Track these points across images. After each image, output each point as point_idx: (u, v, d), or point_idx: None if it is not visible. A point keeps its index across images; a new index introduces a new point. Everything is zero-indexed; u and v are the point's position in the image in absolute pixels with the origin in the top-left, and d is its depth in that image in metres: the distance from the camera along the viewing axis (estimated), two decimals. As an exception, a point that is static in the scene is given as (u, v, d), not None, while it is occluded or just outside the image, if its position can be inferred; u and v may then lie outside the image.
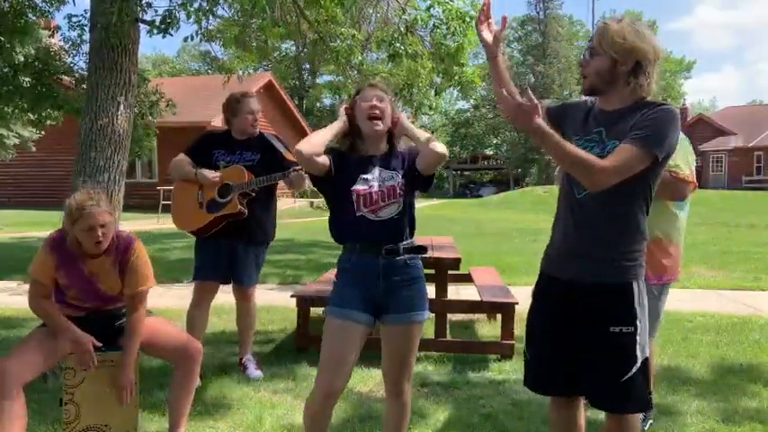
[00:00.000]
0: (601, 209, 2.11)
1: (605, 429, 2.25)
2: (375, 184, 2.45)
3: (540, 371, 2.30)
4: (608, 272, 2.13)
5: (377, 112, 2.46)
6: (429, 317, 2.57)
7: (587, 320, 2.15)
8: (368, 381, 3.83)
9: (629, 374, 2.12)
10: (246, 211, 3.82)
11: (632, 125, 2.06)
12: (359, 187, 2.45)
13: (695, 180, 3.02)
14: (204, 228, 3.86)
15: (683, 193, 2.98)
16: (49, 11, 8.28)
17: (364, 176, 2.46)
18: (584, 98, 2.33)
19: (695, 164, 3.09)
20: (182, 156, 3.98)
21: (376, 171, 2.48)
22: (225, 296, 4.20)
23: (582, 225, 2.15)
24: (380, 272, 2.43)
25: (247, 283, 4.02)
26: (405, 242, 2.48)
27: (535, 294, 2.35)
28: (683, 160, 2.94)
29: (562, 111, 2.34)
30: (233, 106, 3.92)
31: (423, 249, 2.55)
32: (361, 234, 2.45)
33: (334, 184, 2.49)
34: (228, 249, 3.92)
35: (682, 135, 2.87)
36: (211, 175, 3.81)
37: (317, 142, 2.43)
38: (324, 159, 2.45)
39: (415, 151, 2.53)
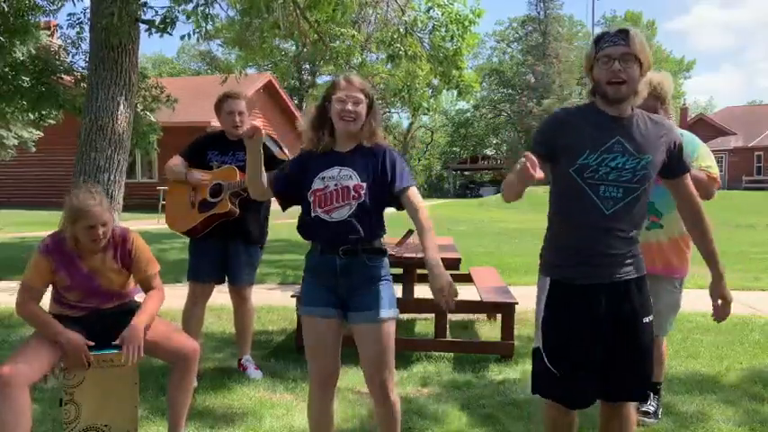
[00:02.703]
0: (631, 216, 2.20)
1: (619, 419, 2.30)
2: (331, 184, 2.44)
3: (574, 384, 2.23)
4: (633, 267, 2.24)
5: (351, 116, 2.44)
6: (396, 316, 2.50)
7: (624, 318, 2.21)
8: (368, 381, 3.83)
9: (651, 361, 2.29)
10: (237, 210, 3.82)
11: (674, 141, 2.24)
12: (315, 187, 2.45)
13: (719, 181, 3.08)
14: (196, 228, 3.86)
15: (713, 192, 3.01)
16: (50, 10, 8.28)
17: (323, 175, 2.45)
18: (558, 110, 2.33)
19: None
20: (176, 157, 4.00)
21: (335, 169, 2.46)
22: (225, 297, 4.20)
23: (613, 234, 2.19)
24: (339, 271, 2.44)
25: (241, 282, 4.00)
26: (363, 243, 2.45)
27: (555, 305, 2.26)
28: (712, 161, 3.03)
29: (552, 141, 2.22)
30: (217, 106, 3.95)
31: (382, 252, 2.52)
32: (318, 234, 2.47)
33: (296, 186, 2.50)
34: (223, 249, 3.93)
35: (695, 136, 3.11)
36: (200, 175, 3.85)
37: (253, 182, 2.52)
38: (264, 184, 2.53)
39: (394, 157, 2.49)
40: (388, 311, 2.46)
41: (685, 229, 2.98)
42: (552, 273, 2.28)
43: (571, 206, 2.23)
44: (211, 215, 3.82)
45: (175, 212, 4.01)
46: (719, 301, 2.33)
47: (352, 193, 2.42)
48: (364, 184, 2.44)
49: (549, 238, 2.34)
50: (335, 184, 2.43)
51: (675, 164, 2.27)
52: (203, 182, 3.85)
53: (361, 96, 2.46)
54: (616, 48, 2.10)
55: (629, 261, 2.22)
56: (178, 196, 3.96)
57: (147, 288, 2.98)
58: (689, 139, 3.13)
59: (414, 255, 4.29)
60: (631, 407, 2.32)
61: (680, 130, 3.10)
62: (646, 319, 2.24)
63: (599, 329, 2.19)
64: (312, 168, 2.48)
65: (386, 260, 2.53)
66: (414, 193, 2.47)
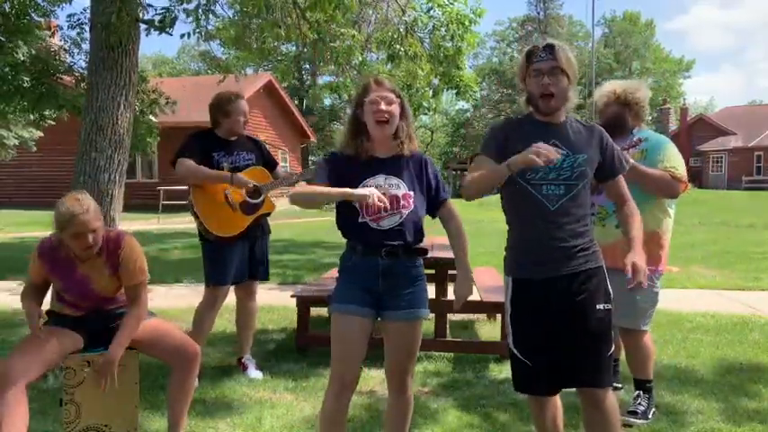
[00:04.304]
0: (576, 211, 2.37)
1: (599, 411, 2.35)
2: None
3: (547, 372, 2.38)
4: (588, 259, 2.39)
5: (385, 116, 2.44)
6: (429, 316, 2.59)
7: (577, 306, 2.34)
8: (368, 381, 3.84)
9: (611, 350, 2.38)
10: None
11: (606, 144, 2.44)
12: None
13: (687, 181, 3.29)
14: (244, 230, 3.87)
15: (676, 191, 3.24)
16: (51, 10, 8.29)
17: (368, 182, 2.44)
18: (502, 121, 2.52)
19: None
20: (189, 161, 3.77)
21: (381, 177, 2.46)
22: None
23: (561, 228, 2.35)
24: (380, 272, 2.45)
25: (264, 276, 4.10)
26: (407, 247, 2.48)
27: (518, 302, 2.42)
28: (678, 162, 3.24)
29: (503, 146, 2.40)
30: (225, 107, 3.84)
31: (423, 252, 2.57)
32: (363, 238, 2.47)
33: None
34: (250, 247, 3.97)
35: (667, 138, 3.38)
36: (247, 179, 3.80)
37: (309, 200, 2.52)
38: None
39: (435, 167, 2.63)
40: (424, 311, 2.53)
41: (660, 226, 3.25)
42: (513, 272, 2.46)
43: (520, 207, 2.42)
44: (259, 215, 3.89)
45: (218, 217, 3.79)
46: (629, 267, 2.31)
47: (402, 202, 2.46)
48: (412, 193, 2.49)
49: (507, 240, 2.51)
50: (384, 193, 2.43)
51: (609, 167, 2.48)
52: (249, 184, 3.80)
53: (393, 96, 2.47)
54: (545, 62, 2.34)
55: (581, 253, 2.37)
56: (211, 200, 3.78)
57: (129, 298, 2.85)
58: (656, 140, 3.34)
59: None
60: (612, 399, 2.37)
61: (647, 133, 3.35)
62: (600, 306, 2.35)
63: (559, 320, 2.34)
64: (354, 175, 2.46)
65: (421, 260, 2.57)
66: (451, 203, 2.62)
